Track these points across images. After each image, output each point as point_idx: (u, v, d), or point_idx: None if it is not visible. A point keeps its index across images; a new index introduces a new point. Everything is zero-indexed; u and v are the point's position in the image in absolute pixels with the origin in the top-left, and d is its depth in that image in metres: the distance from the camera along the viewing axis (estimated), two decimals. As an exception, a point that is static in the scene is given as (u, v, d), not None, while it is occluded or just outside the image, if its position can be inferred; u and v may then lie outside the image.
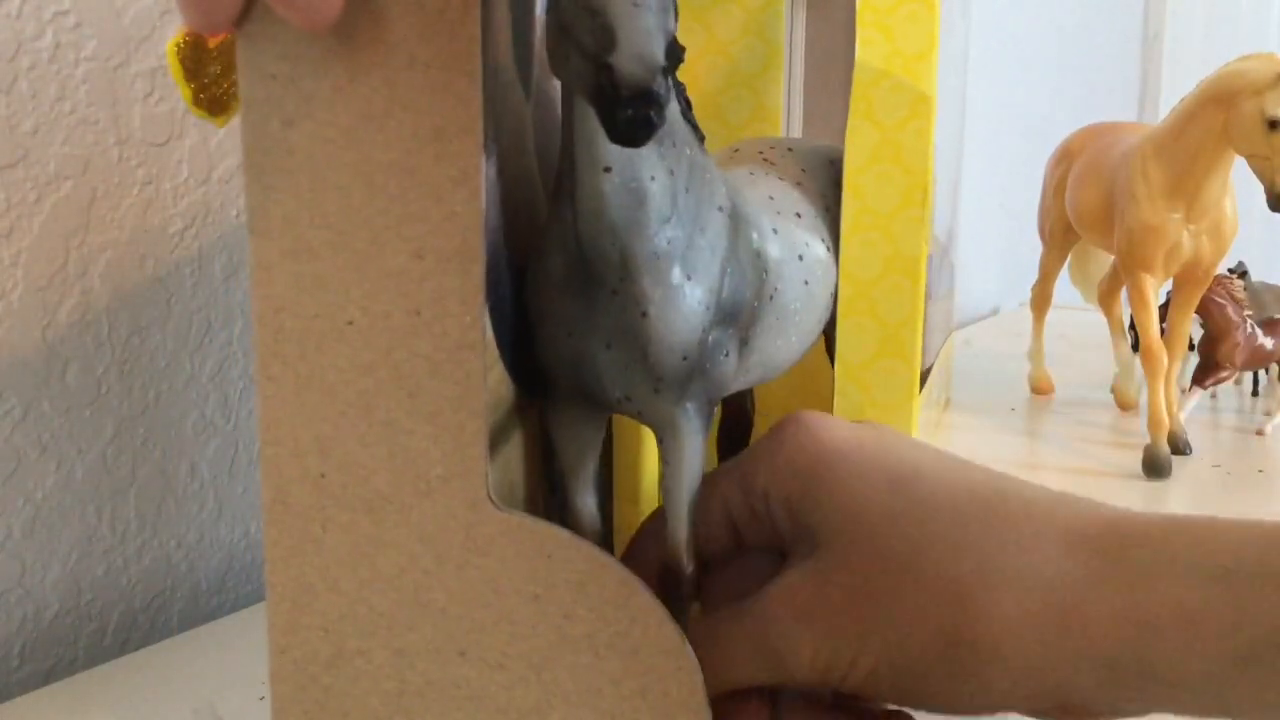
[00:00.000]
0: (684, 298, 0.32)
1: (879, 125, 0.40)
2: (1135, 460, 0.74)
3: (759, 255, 0.35)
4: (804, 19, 0.56)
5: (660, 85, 0.26)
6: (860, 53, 0.40)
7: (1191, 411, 0.84)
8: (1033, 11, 1.62)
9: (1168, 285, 0.81)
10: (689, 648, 0.30)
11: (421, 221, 0.28)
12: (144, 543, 0.54)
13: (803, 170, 0.41)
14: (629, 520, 0.56)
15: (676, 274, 0.32)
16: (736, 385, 0.36)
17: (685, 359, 0.32)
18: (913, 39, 0.40)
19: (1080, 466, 0.75)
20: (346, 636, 0.30)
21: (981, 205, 1.45)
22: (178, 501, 0.55)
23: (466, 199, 0.27)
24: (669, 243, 0.31)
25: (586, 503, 0.36)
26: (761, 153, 0.42)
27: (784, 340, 0.37)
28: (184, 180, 0.54)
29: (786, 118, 0.55)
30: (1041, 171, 0.93)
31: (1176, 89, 0.93)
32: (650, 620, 0.29)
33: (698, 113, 0.34)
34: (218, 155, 0.56)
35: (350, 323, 0.28)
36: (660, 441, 0.34)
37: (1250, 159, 0.68)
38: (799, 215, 0.39)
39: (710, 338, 0.33)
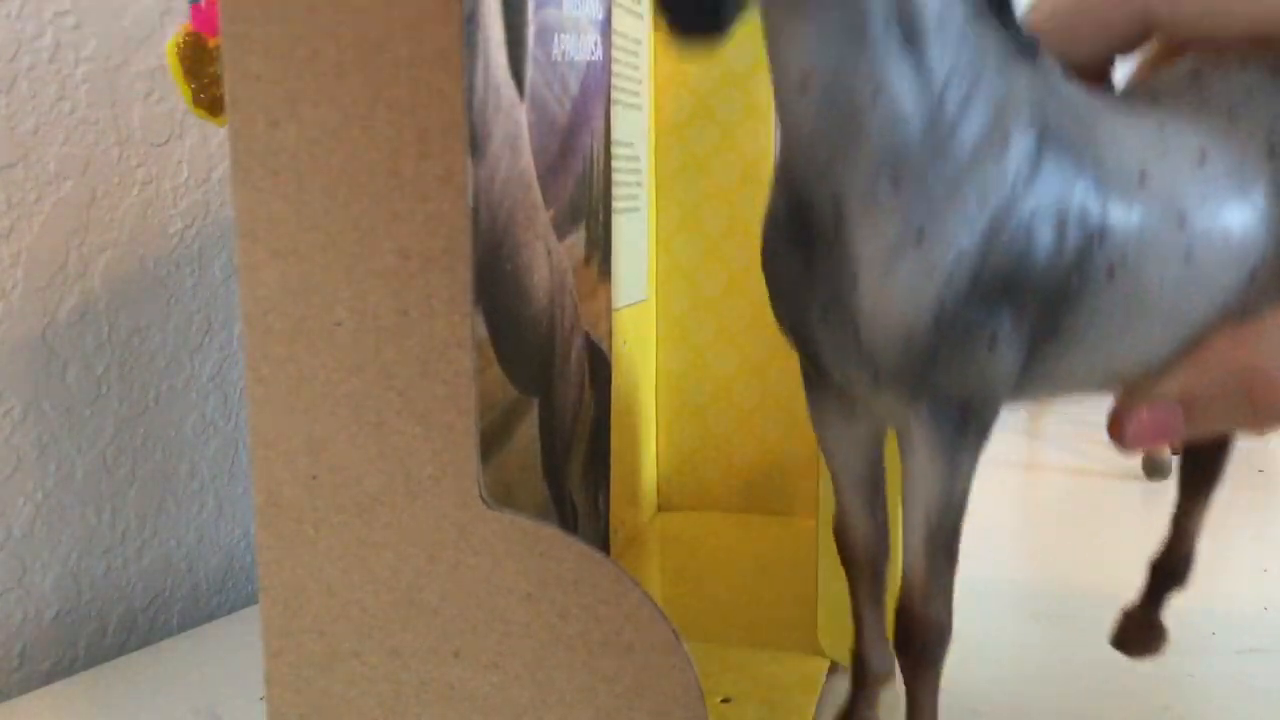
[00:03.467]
0: (908, 262, 0.24)
1: None
2: (1135, 460, 0.74)
3: (1086, 214, 0.25)
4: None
5: None
6: None
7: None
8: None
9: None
10: (683, 644, 0.30)
11: (407, 221, 0.28)
12: (144, 543, 0.54)
13: (1248, 92, 0.29)
14: (627, 521, 0.57)
15: (901, 229, 0.24)
16: (1052, 390, 0.28)
17: (909, 344, 0.25)
18: None
19: (1080, 466, 0.75)
20: (340, 638, 0.30)
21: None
22: (178, 501, 0.56)
23: (452, 198, 0.27)
24: (896, 185, 0.24)
25: (859, 519, 0.30)
26: (1199, 64, 0.30)
27: (1135, 334, 0.27)
28: (184, 180, 0.54)
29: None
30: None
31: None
32: (644, 618, 0.29)
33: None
34: (218, 155, 0.56)
35: (338, 324, 0.28)
36: (900, 450, 0.27)
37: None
38: (1203, 157, 0.27)
39: (958, 318, 0.25)
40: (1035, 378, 0.28)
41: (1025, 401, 0.29)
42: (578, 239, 0.41)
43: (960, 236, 0.24)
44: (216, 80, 0.36)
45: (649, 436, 0.61)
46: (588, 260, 0.42)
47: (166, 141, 0.53)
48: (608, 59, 0.43)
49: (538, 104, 0.36)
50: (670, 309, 0.61)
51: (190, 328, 0.55)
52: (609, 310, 0.47)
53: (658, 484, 0.63)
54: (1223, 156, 0.28)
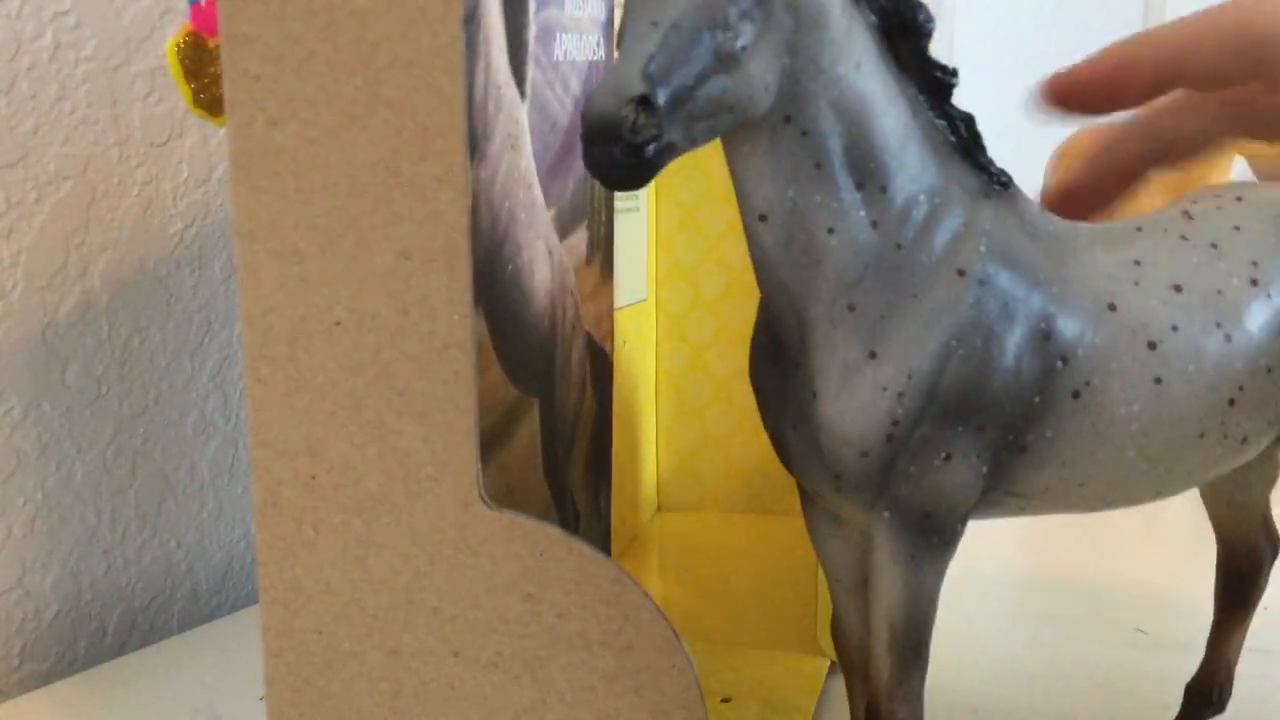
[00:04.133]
0: (862, 380, 0.26)
1: None
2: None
3: (1048, 339, 0.27)
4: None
5: (634, 121, 0.22)
6: None
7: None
8: (1031, 11, 1.61)
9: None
10: (683, 644, 0.30)
11: (407, 221, 0.28)
12: (144, 543, 0.54)
13: (1235, 228, 0.30)
14: (627, 522, 0.57)
15: (856, 349, 0.26)
16: (1031, 505, 0.30)
17: (865, 455, 0.27)
18: None
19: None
20: (340, 638, 0.30)
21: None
22: (178, 501, 0.56)
23: (451, 198, 0.27)
24: (852, 309, 0.26)
25: (852, 620, 0.31)
26: (1196, 201, 0.32)
27: (1107, 455, 0.28)
28: (184, 180, 0.54)
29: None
30: (1041, 172, 0.93)
31: (1179, 88, 0.93)
32: (643, 617, 0.29)
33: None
34: (218, 155, 0.56)
35: (338, 323, 0.28)
36: (866, 553, 0.29)
37: (1250, 159, 0.68)
38: (1177, 288, 0.29)
39: (912, 434, 0.27)
40: (1012, 493, 0.29)
41: (1007, 515, 0.30)
42: (579, 239, 0.41)
43: (911, 358, 0.26)
44: (216, 80, 0.36)
45: (649, 436, 0.61)
46: (589, 260, 0.42)
47: (166, 141, 0.53)
48: (610, 59, 0.43)
49: (539, 104, 0.36)
50: (670, 309, 0.61)
51: (190, 328, 0.55)
52: (611, 310, 0.47)
53: (658, 484, 0.63)
54: (1200, 288, 0.29)
